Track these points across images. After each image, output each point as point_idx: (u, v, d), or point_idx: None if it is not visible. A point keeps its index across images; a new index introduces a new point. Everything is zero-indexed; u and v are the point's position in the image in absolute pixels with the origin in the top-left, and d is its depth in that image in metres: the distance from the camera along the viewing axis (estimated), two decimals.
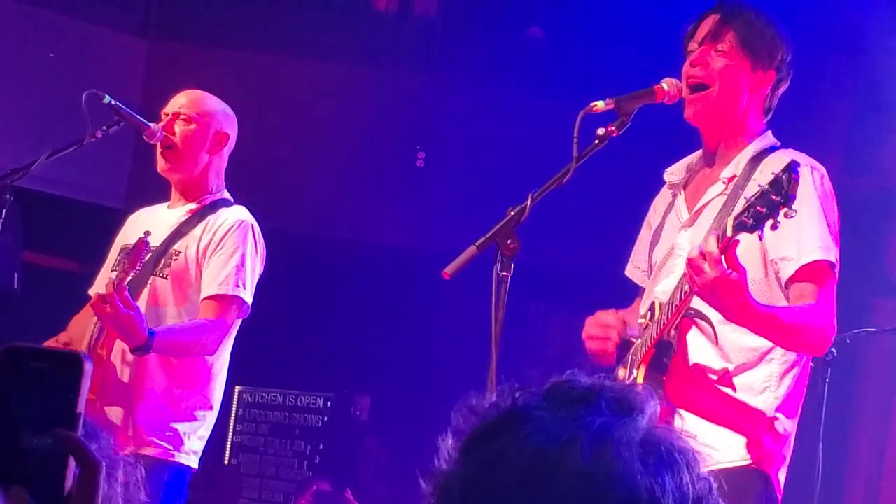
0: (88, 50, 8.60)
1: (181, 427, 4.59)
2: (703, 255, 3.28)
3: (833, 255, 3.58)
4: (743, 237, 3.27)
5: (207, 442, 4.74)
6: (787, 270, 3.57)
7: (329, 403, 8.64)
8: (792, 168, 3.17)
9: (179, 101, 4.83)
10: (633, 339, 3.74)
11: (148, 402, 4.56)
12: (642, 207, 4.04)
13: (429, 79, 8.81)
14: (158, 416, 4.56)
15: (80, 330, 4.65)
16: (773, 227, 3.20)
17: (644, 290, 3.94)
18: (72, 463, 1.38)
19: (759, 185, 3.23)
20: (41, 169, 4.72)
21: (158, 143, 4.76)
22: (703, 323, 3.59)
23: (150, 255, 4.58)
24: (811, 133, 5.55)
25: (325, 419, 8.63)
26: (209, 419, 4.69)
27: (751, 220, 3.22)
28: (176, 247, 4.68)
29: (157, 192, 5.00)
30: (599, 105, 3.56)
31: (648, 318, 3.67)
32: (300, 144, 8.77)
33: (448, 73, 8.75)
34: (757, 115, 3.77)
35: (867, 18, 7.33)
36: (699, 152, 3.86)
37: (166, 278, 4.65)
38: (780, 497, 3.64)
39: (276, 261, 4.92)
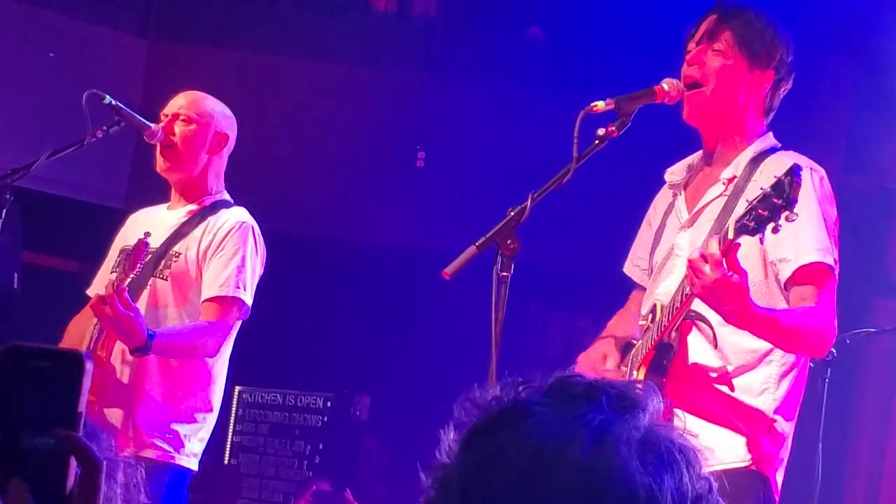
0: (88, 50, 8.60)
1: (181, 429, 4.59)
2: (703, 256, 3.28)
3: (831, 258, 3.58)
4: (743, 240, 3.28)
5: (207, 442, 4.74)
6: (786, 272, 3.57)
7: (329, 403, 8.64)
8: (794, 171, 3.18)
9: (179, 102, 4.83)
10: (634, 341, 3.75)
11: (148, 403, 4.55)
12: (642, 207, 4.04)
13: (429, 79, 8.81)
14: (158, 418, 4.56)
15: (80, 331, 4.65)
16: (775, 231, 3.21)
17: (640, 287, 3.95)
18: (73, 463, 1.38)
19: (761, 188, 3.24)
20: (41, 169, 4.72)
21: (158, 144, 4.76)
22: (702, 325, 3.59)
23: (149, 256, 4.58)
24: (811, 133, 5.55)
25: (325, 419, 8.63)
26: (209, 421, 4.68)
27: (752, 223, 3.22)
28: (176, 248, 4.68)
29: (157, 193, 4.99)
30: (599, 105, 3.57)
31: (649, 319, 3.67)
32: (300, 144, 8.76)
33: (448, 73, 8.75)
34: (757, 116, 3.77)
35: (867, 18, 7.33)
36: (700, 153, 3.86)
37: (166, 280, 4.65)
38: (777, 498, 3.65)
39: (275, 261, 4.92)
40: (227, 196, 4.84)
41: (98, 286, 4.73)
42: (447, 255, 3.45)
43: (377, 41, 8.79)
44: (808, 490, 5.79)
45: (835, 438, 6.26)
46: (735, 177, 3.69)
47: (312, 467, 8.53)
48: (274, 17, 8.87)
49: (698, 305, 3.49)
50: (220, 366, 4.69)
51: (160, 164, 4.78)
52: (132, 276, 4.47)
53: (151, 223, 4.75)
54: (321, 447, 8.55)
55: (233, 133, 4.85)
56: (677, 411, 3.54)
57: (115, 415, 4.54)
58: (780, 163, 3.50)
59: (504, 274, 3.42)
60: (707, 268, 3.26)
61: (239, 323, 4.67)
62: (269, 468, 8.63)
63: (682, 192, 3.84)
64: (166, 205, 4.86)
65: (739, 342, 3.58)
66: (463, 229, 3.65)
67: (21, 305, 7.89)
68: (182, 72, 7.90)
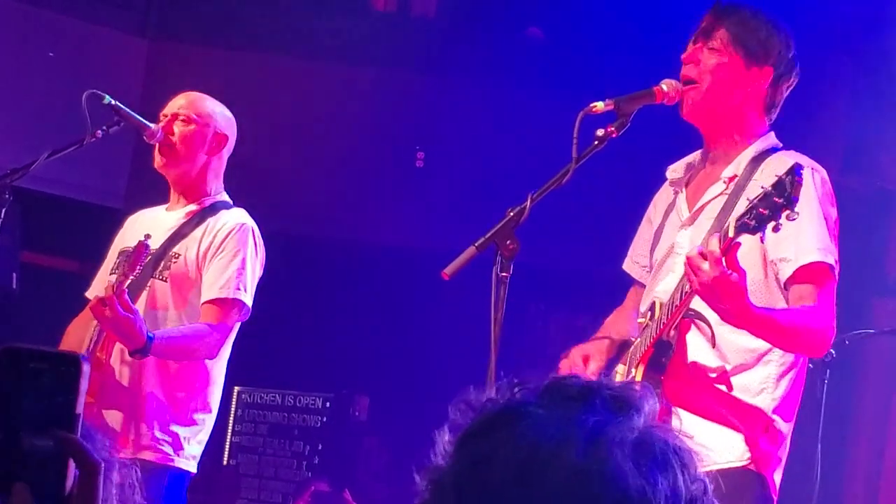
0: (88, 50, 8.59)
1: (181, 431, 4.58)
2: (702, 254, 3.28)
3: (832, 257, 3.58)
4: (744, 238, 3.28)
5: (206, 443, 4.73)
6: (786, 271, 3.57)
7: (328, 404, 8.63)
8: (795, 170, 3.18)
9: (179, 103, 4.83)
10: (632, 339, 3.75)
11: (147, 405, 4.55)
12: (642, 207, 4.04)
13: (429, 79, 8.80)
14: (158, 420, 4.55)
15: (80, 333, 4.64)
16: (776, 230, 3.21)
17: (639, 284, 3.95)
18: (72, 464, 1.38)
19: (762, 187, 3.24)
20: (41, 169, 4.72)
21: (157, 143, 4.76)
22: (701, 323, 3.60)
23: (149, 257, 4.57)
24: (811, 133, 5.55)
25: (324, 419, 8.62)
26: (208, 422, 4.68)
27: (753, 222, 3.22)
28: (175, 249, 4.68)
29: (156, 193, 4.99)
30: (599, 106, 3.57)
31: (648, 317, 3.68)
32: (300, 144, 8.76)
33: (448, 73, 8.74)
34: (757, 113, 3.77)
35: (867, 18, 7.33)
36: (701, 151, 3.87)
37: (165, 281, 4.64)
38: (776, 498, 3.65)
39: (275, 261, 4.92)
40: (226, 197, 4.84)
41: (97, 288, 4.73)
42: (447, 256, 3.46)
43: (377, 41, 8.78)
44: (807, 491, 5.79)
45: (834, 439, 6.26)
46: (736, 175, 3.70)
47: (311, 468, 8.52)
48: (274, 17, 8.86)
49: (698, 304, 3.49)
50: (219, 367, 4.68)
51: (158, 160, 4.78)
52: (132, 277, 4.46)
53: (150, 224, 4.75)
54: (320, 448, 8.55)
55: (232, 134, 4.85)
56: (675, 409, 3.54)
57: (114, 416, 4.54)
58: (782, 162, 3.51)
59: (503, 274, 3.42)
60: (706, 265, 3.26)
61: (238, 324, 4.67)
62: (268, 469, 8.62)
63: (683, 190, 3.85)
64: (165, 206, 4.86)
65: (738, 341, 3.58)
66: (463, 229, 3.65)
67: (20, 305, 7.89)
68: (182, 72, 7.90)
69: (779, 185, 3.19)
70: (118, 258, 4.72)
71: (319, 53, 8.78)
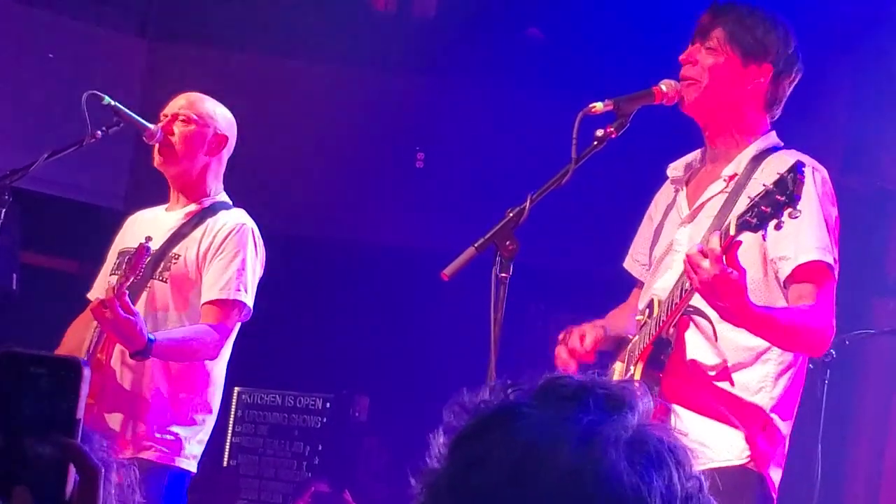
0: (88, 50, 8.59)
1: (181, 431, 4.58)
2: (702, 252, 3.28)
3: (831, 257, 3.58)
4: (744, 237, 3.28)
5: (206, 443, 4.73)
6: (785, 270, 3.57)
7: (328, 404, 8.63)
8: (797, 168, 3.17)
9: (179, 103, 4.83)
10: (630, 336, 3.75)
11: (147, 406, 4.55)
12: (642, 207, 4.04)
13: (428, 79, 8.80)
14: (158, 421, 4.55)
15: (80, 335, 4.64)
16: (777, 227, 3.21)
17: (641, 283, 3.95)
18: (72, 469, 1.38)
19: (764, 185, 3.24)
20: (40, 169, 4.72)
21: (157, 144, 4.76)
22: (701, 321, 3.60)
23: (149, 259, 4.57)
24: (811, 133, 5.54)
25: (324, 420, 8.62)
26: (209, 423, 4.68)
27: (755, 220, 3.22)
28: (175, 250, 4.67)
29: (156, 194, 4.99)
30: (598, 106, 3.57)
31: (647, 315, 3.67)
32: (300, 144, 8.76)
33: (448, 73, 8.74)
34: (757, 111, 3.77)
35: (867, 18, 7.33)
36: (702, 149, 3.87)
37: (165, 282, 4.64)
38: (775, 497, 3.65)
39: (275, 261, 4.92)
40: (226, 198, 4.84)
41: (98, 289, 4.73)
42: (447, 256, 3.46)
43: (377, 41, 8.78)
44: (807, 491, 5.79)
45: (834, 439, 6.26)
46: (736, 174, 3.70)
47: (311, 468, 8.52)
48: (274, 18, 8.86)
49: (697, 301, 3.49)
50: (220, 367, 4.68)
51: (157, 159, 4.79)
52: (133, 279, 4.46)
53: (150, 225, 4.75)
54: (320, 448, 8.54)
55: (232, 135, 4.85)
56: (674, 407, 3.54)
57: (114, 418, 4.54)
58: (783, 161, 3.51)
59: (503, 275, 3.42)
60: (706, 263, 3.26)
61: (239, 325, 4.67)
62: (268, 469, 8.62)
63: (684, 188, 3.85)
64: (165, 206, 4.86)
65: (737, 339, 3.58)
66: (462, 230, 3.65)
67: (20, 306, 7.89)
68: (181, 72, 7.90)
69: (781, 182, 3.19)
70: (118, 259, 4.72)
71: (319, 54, 8.78)
